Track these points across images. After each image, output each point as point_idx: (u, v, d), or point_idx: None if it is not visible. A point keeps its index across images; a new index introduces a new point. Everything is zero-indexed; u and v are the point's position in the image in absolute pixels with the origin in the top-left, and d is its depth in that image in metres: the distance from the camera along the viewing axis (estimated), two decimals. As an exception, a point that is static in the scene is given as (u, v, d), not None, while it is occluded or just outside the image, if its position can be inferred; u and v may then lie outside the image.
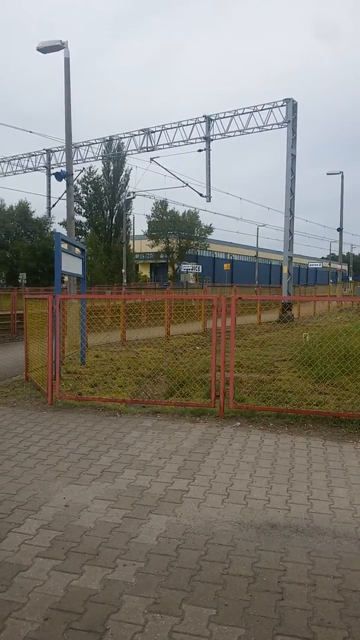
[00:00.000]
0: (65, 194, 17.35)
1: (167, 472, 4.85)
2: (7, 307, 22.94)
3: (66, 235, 15.59)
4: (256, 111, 26.01)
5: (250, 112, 26.21)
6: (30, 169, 34.93)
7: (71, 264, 10.17)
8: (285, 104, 24.74)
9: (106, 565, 3.23)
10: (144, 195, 46.01)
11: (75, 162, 30.55)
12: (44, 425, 6.42)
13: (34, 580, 3.06)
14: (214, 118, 27.50)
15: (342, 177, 39.60)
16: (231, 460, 5.17)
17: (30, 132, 39.15)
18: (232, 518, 3.89)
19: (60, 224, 58.47)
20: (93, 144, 32.39)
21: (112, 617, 2.72)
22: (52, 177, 29.89)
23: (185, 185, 30.03)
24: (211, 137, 27.94)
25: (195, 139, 28.28)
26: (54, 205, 33.47)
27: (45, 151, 34.05)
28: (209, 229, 71.00)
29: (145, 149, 29.85)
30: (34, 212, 60.06)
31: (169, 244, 70.32)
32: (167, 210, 68.87)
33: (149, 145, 29.58)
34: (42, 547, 3.44)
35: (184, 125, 28.31)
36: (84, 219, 63.10)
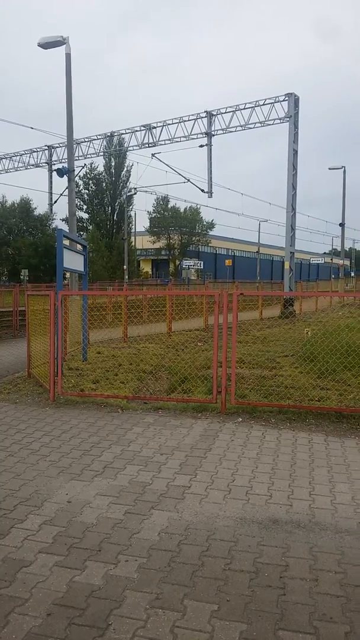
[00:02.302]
0: (67, 190, 17.36)
1: (169, 468, 4.85)
2: (9, 304, 22.94)
3: (68, 231, 15.59)
4: (258, 106, 25.86)
5: (252, 107, 26.05)
6: (32, 165, 34.82)
7: (73, 261, 10.18)
8: (287, 98, 24.58)
9: (108, 561, 3.24)
10: (146, 191, 45.96)
11: (77, 158, 30.47)
12: (46, 422, 6.43)
13: (36, 576, 3.07)
14: (215, 113, 27.37)
15: (344, 172, 39.53)
16: (233, 456, 5.17)
17: (32, 128, 39.30)
18: (234, 514, 3.90)
19: (62, 220, 58.54)
20: (94, 139, 32.27)
21: (114, 613, 2.73)
22: (54, 173, 29.86)
23: (186, 181, 29.95)
24: (213, 133, 27.79)
25: (197, 134, 28.15)
26: (55, 202, 33.48)
27: (46, 147, 33.95)
28: (211, 225, 70.84)
29: (147, 145, 29.73)
30: (35, 208, 60.14)
31: (171, 240, 70.20)
32: (169, 206, 68.78)
33: (151, 141, 29.46)
34: (45, 543, 3.46)
35: (185, 121, 28.19)
36: (85, 215, 63.14)
